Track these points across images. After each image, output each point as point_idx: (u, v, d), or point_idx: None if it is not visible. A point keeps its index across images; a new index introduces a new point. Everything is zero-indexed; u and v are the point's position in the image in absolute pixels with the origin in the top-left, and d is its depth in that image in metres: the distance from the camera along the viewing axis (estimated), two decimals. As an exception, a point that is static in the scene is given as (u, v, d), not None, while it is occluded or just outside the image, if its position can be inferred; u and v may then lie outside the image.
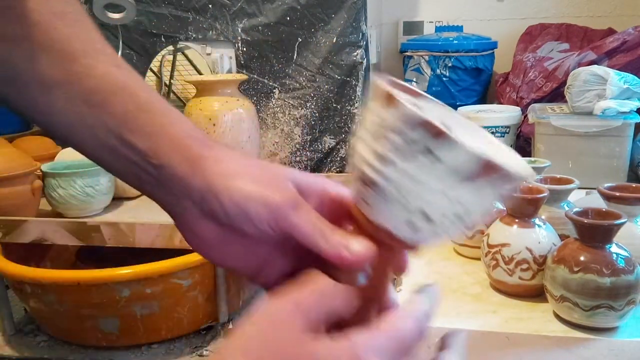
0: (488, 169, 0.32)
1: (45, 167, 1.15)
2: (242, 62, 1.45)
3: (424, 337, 0.35)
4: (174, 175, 0.38)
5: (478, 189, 0.33)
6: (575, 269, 0.67)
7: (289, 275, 0.41)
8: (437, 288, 0.36)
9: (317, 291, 0.34)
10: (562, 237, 0.76)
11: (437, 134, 0.32)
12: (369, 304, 0.37)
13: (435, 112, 0.39)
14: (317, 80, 1.42)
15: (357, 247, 0.36)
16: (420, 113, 0.32)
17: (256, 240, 0.39)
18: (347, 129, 1.46)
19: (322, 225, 0.37)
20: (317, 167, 1.48)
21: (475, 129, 0.40)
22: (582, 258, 0.67)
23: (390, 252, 0.38)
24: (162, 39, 1.48)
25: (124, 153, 0.38)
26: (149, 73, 1.52)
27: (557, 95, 1.41)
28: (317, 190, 0.40)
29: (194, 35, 1.46)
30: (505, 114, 1.37)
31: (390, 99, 0.33)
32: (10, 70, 0.37)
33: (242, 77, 1.19)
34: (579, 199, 1.00)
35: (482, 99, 1.70)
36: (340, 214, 0.40)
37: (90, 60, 0.38)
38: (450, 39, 1.64)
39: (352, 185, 0.37)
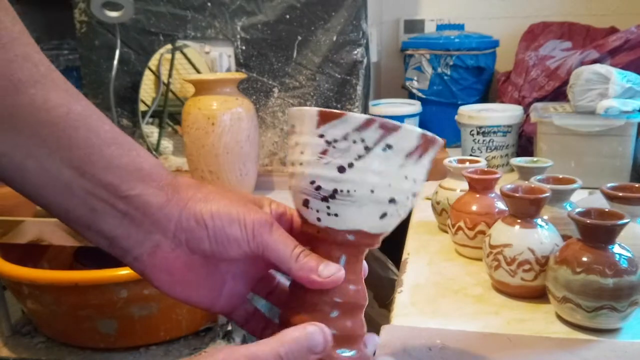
0: (427, 142, 0.38)
1: (43, 166, 1.14)
2: (241, 61, 1.44)
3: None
4: (148, 204, 0.38)
5: (423, 163, 0.39)
6: (578, 270, 0.66)
7: (244, 302, 0.44)
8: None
9: (297, 340, 0.36)
10: (565, 237, 0.75)
11: (393, 128, 0.37)
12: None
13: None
14: (317, 79, 1.41)
15: (326, 272, 0.38)
16: (368, 116, 0.37)
17: (219, 268, 0.41)
18: (347, 128, 1.44)
19: (295, 248, 0.39)
20: (317, 166, 1.47)
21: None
22: (584, 259, 0.66)
23: (357, 256, 0.41)
24: (161, 38, 1.47)
25: (81, 184, 0.36)
26: (147, 72, 1.51)
27: (559, 94, 1.40)
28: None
29: (192, 34, 1.45)
30: (507, 113, 1.36)
31: (330, 115, 0.37)
32: None
33: (241, 75, 1.18)
34: (582, 199, 0.99)
35: (484, 98, 1.69)
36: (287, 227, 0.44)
37: (39, 90, 0.35)
38: (452, 37, 1.63)
39: (302, 211, 0.40)
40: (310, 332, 0.36)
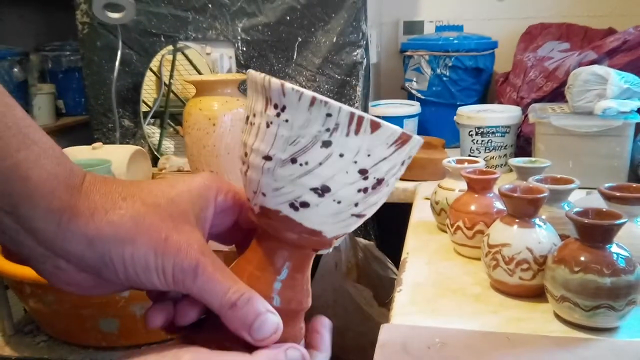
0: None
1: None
2: (242, 62, 1.44)
3: None
4: (37, 230, 0.31)
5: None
6: (576, 269, 0.66)
7: None
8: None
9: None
10: (563, 237, 0.76)
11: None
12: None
13: None
14: (317, 80, 1.42)
15: (260, 333, 0.33)
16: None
17: None
18: (347, 128, 1.45)
19: (227, 293, 0.34)
20: (317, 167, 1.48)
21: None
22: (582, 258, 0.66)
23: (307, 259, 0.38)
24: (162, 39, 1.47)
25: None
26: (149, 73, 1.52)
27: (557, 95, 1.41)
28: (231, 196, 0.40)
29: (193, 35, 1.46)
30: (505, 113, 1.36)
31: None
32: None
33: (242, 76, 1.19)
34: (580, 199, 1.00)
35: (483, 99, 1.69)
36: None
37: None
38: (451, 38, 1.64)
39: (336, 229, 0.36)
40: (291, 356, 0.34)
